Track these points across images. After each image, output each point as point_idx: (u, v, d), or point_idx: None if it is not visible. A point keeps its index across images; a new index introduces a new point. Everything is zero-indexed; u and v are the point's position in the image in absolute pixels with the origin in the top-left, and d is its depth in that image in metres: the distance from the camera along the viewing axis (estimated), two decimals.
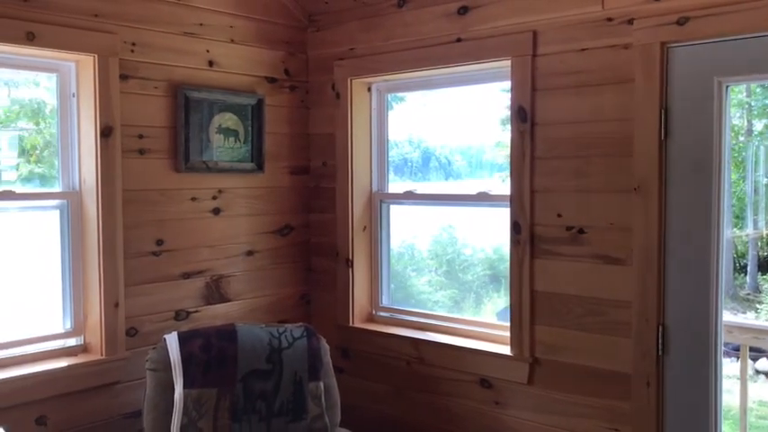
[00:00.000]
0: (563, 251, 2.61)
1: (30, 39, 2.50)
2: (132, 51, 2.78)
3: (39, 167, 5.67)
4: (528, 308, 2.69)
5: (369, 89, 3.31)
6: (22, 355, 2.63)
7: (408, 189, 3.31)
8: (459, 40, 2.86)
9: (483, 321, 3.05)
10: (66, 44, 2.60)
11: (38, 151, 5.72)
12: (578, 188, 2.56)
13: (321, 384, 2.71)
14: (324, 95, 3.37)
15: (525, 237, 2.69)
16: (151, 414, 2.56)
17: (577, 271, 2.57)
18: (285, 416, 2.62)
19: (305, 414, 2.64)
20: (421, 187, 3.37)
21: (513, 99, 2.71)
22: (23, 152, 5.71)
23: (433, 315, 3.20)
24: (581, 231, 2.56)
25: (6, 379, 2.47)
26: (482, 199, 3.02)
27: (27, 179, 5.71)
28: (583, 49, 2.52)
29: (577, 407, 2.60)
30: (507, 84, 2.73)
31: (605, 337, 2.51)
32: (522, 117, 2.67)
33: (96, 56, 2.67)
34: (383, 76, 3.16)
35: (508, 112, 2.74)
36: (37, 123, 5.73)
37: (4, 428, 2.28)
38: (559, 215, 2.62)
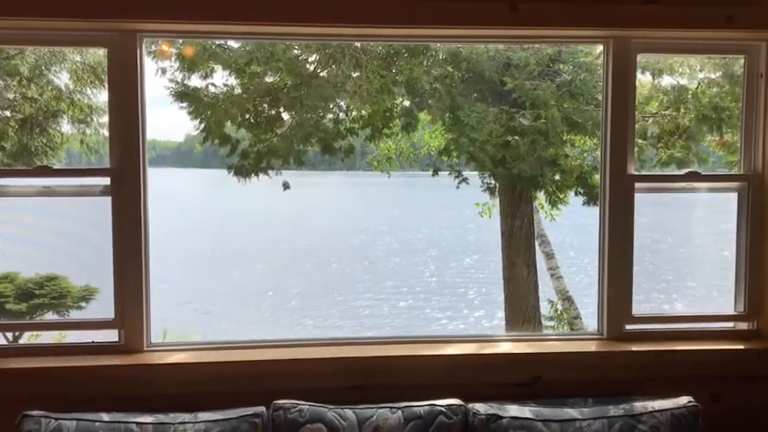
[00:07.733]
0: None
1: (728, 22, 2.52)
2: None
3: (678, 152, 5.90)
4: None
5: None
6: (696, 330, 2.74)
7: None
8: None
9: None
10: (763, 24, 2.54)
11: (675, 137, 5.96)
12: None
13: None
14: None
15: None
16: None
17: None
18: None
19: None
20: None
21: None
22: (660, 138, 6.03)
23: None
24: None
25: (685, 351, 2.61)
26: None
27: (665, 164, 6.01)
28: None
29: None
30: None
31: None
32: None
33: None
34: None
35: None
36: (677, 110, 5.97)
37: (690, 397, 2.38)
38: None
